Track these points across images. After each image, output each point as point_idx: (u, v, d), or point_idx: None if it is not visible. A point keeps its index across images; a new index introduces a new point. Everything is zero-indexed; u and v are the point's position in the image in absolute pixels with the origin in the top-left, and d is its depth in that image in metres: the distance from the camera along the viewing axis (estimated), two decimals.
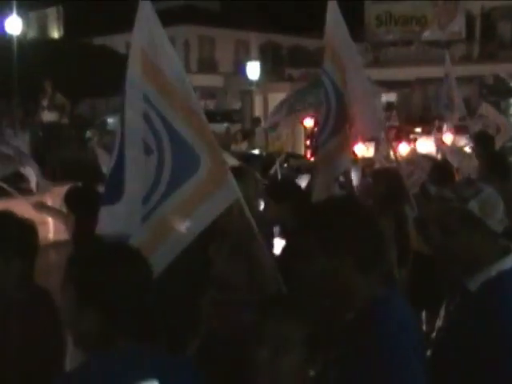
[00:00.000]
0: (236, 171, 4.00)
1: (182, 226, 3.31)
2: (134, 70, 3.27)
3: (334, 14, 5.09)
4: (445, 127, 10.60)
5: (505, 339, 2.35)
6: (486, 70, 31.23)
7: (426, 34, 35.99)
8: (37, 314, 2.79)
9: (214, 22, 40.36)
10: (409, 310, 2.26)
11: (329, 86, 5.07)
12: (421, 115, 34.91)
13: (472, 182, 3.83)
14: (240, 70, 36.99)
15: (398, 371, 2.02)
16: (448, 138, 11.05)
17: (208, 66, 42.31)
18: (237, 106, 37.90)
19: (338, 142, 5.12)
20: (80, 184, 4.35)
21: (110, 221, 3.23)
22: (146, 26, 3.33)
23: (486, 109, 11.70)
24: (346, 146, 5.22)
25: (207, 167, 3.31)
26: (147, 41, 3.31)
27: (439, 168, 6.68)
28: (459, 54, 35.95)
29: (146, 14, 3.33)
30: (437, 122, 20.37)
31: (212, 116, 29.86)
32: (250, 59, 36.37)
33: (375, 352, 2.02)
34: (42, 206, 4.80)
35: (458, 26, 35.26)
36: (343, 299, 2.18)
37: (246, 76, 33.92)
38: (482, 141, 8.49)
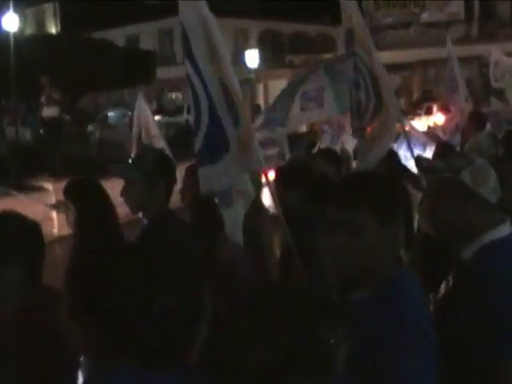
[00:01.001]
0: None
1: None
2: (197, 23, 3.66)
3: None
4: (435, 109, 10.67)
5: (492, 307, 2.38)
6: (486, 49, 31.03)
7: (425, 16, 35.83)
8: (47, 315, 2.77)
9: (213, 11, 40.22)
10: (420, 287, 2.25)
11: (363, 67, 5.17)
12: (422, 97, 34.92)
13: (464, 154, 3.86)
14: (239, 58, 36.96)
15: (416, 347, 2.02)
16: (439, 119, 11.17)
17: None
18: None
19: (382, 119, 5.21)
20: (81, 177, 4.31)
21: (220, 176, 3.51)
22: None
23: (494, 104, 11.85)
24: (392, 122, 5.32)
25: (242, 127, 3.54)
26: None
27: (441, 144, 6.80)
28: (458, 35, 35.78)
29: None
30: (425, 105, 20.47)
31: None
32: (249, 47, 36.31)
33: (398, 326, 2.03)
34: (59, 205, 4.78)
35: (457, 6, 35.10)
36: (370, 272, 2.16)
37: (246, 64, 33.87)
38: (475, 120, 8.63)
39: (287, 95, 8.33)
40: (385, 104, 5.17)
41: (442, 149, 6.39)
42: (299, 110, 7.90)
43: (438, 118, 18.59)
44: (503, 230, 2.58)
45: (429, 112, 24.60)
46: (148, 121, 9.40)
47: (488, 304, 2.39)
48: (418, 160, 6.08)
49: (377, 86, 5.15)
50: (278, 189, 4.84)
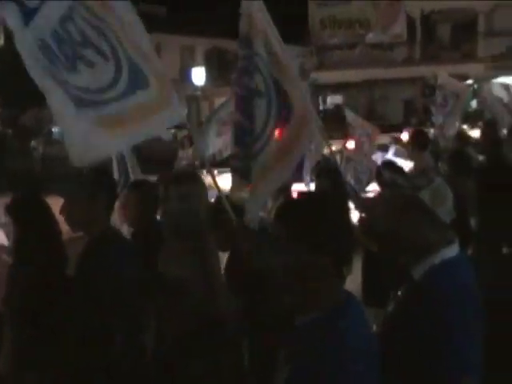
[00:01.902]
0: (188, 175, 4.01)
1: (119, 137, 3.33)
2: None
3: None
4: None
5: (442, 326, 2.42)
6: (428, 71, 31.93)
7: (370, 37, 36.46)
8: None
9: (159, 29, 40.16)
10: (363, 312, 2.26)
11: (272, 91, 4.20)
12: (368, 116, 35.48)
13: (425, 172, 3.89)
14: (186, 76, 36.94)
15: (346, 377, 2.00)
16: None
17: None
18: (183, 111, 37.77)
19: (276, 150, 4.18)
20: (24, 193, 4.19)
21: None
22: None
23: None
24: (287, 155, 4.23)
25: (154, 89, 3.40)
26: None
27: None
28: (402, 56, 36.56)
29: None
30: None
31: None
32: (196, 65, 36.34)
33: (332, 355, 2.01)
34: None
35: (400, 28, 35.80)
36: (310, 299, 2.14)
37: (192, 82, 33.89)
38: (419, 139, 8.74)
39: (208, 121, 8.11)
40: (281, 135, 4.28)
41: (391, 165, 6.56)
42: (215, 137, 7.72)
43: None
44: (452, 250, 2.62)
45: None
46: None
47: (438, 323, 2.43)
48: (380, 174, 6.23)
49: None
50: None
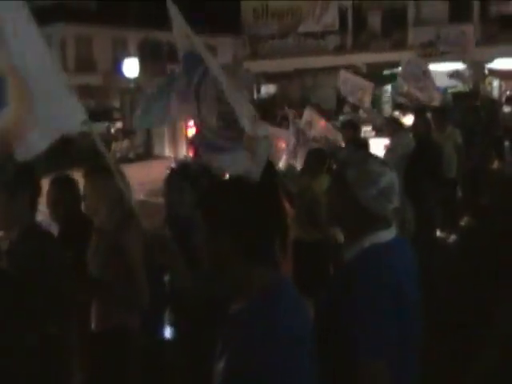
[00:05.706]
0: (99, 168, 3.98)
1: None
2: None
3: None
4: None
5: (355, 306, 2.43)
6: (360, 59, 32.36)
7: (302, 27, 36.70)
8: None
9: (90, 20, 39.43)
10: (297, 298, 2.19)
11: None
12: (301, 104, 35.85)
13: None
14: (119, 67, 36.47)
15: (278, 365, 1.96)
16: None
17: (86, 64, 41.29)
18: (117, 104, 37.32)
19: None
20: None
21: None
22: None
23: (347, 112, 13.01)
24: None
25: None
26: None
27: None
28: (334, 45, 36.93)
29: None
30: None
31: (92, 115, 29.26)
32: (128, 56, 35.88)
33: (260, 344, 1.96)
34: None
35: (332, 18, 36.12)
36: (235, 286, 2.11)
37: (125, 74, 33.49)
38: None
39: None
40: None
41: None
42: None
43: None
44: (386, 235, 2.61)
45: (285, 119, 25.70)
46: None
47: (353, 305, 2.42)
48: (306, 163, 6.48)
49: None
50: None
